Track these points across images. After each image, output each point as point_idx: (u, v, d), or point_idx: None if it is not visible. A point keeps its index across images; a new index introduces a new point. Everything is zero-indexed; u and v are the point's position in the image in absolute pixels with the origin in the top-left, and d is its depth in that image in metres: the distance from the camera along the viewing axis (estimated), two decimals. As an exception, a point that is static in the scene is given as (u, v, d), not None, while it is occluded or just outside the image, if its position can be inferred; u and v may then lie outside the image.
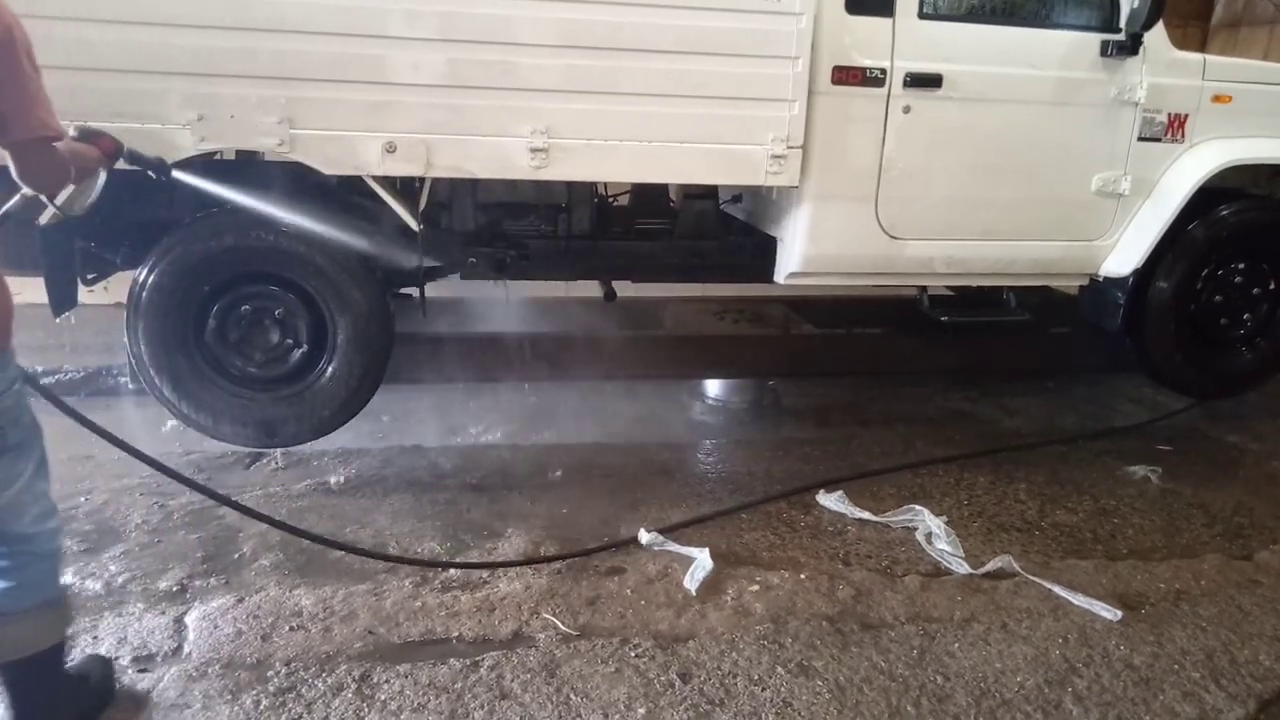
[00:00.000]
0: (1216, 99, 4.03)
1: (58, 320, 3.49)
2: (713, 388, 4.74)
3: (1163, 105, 3.97)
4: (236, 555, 3.03)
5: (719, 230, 4.26)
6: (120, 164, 2.68)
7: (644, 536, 3.18)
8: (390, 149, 3.28)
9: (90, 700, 2.28)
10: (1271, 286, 4.40)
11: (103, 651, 2.50)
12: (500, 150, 3.37)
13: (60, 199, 2.39)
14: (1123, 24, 3.82)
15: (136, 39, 3.03)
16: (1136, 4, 3.75)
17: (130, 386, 3.79)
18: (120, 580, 2.85)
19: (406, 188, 3.66)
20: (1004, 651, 2.67)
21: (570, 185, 3.89)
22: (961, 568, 3.10)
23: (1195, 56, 4.13)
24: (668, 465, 3.91)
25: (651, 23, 3.35)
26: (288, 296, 3.54)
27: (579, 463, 3.88)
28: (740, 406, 4.69)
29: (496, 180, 3.66)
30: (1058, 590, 2.96)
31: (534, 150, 3.37)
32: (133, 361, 3.50)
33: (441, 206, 3.92)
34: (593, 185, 3.99)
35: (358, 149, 3.28)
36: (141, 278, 3.38)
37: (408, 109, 3.27)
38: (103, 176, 2.57)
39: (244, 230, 3.39)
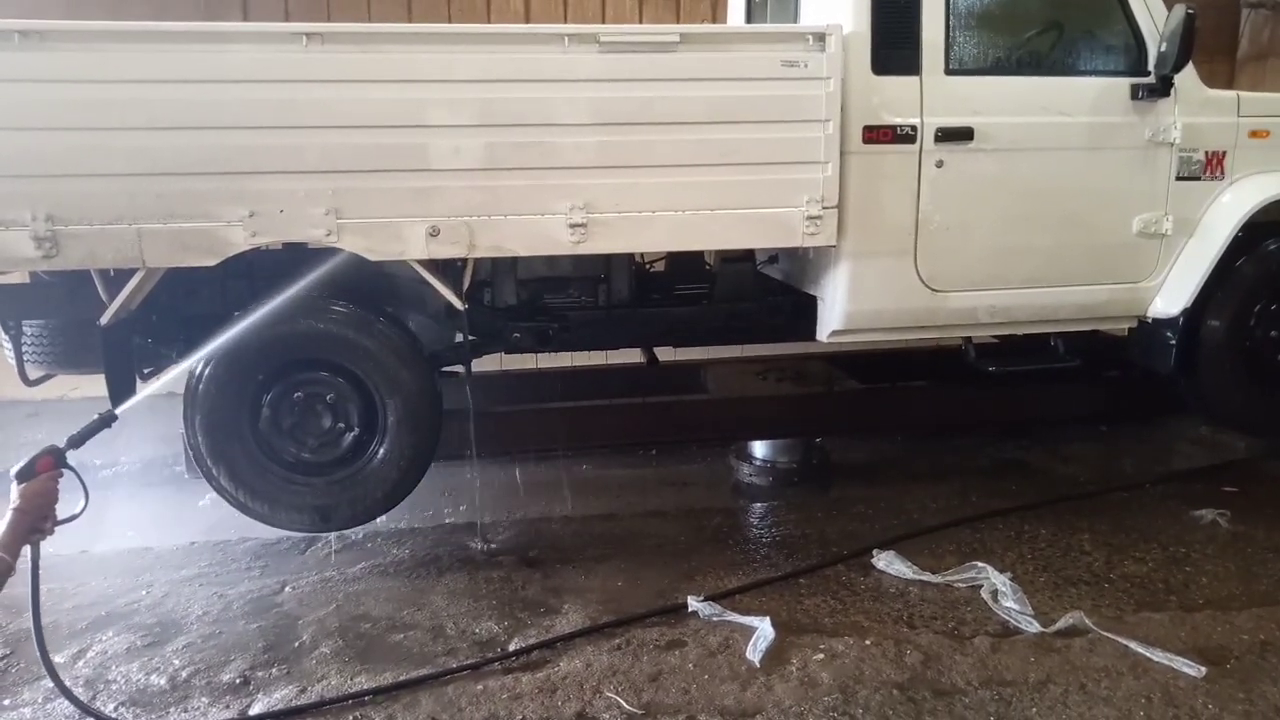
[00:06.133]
0: (1254, 134, 4.00)
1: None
2: (759, 449, 4.70)
3: (1199, 144, 3.95)
4: (296, 644, 3.03)
5: (757, 292, 4.28)
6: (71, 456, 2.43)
7: (694, 604, 3.14)
8: (434, 233, 3.35)
9: None
10: (1328, 320, 4.29)
11: (170, 749, 2.50)
12: (541, 228, 3.43)
13: (47, 535, 2.35)
14: (1151, 67, 3.83)
15: (193, 143, 3.15)
16: (1164, 47, 3.74)
17: (187, 476, 3.86)
18: (184, 674, 2.86)
19: (449, 268, 3.73)
20: (1085, 715, 2.57)
21: (608, 256, 3.94)
22: (1031, 626, 3.01)
23: (1229, 94, 4.11)
24: (719, 531, 3.87)
25: (682, 96, 3.42)
26: (337, 381, 3.60)
27: (631, 532, 3.86)
28: (788, 467, 4.64)
29: (536, 256, 3.72)
30: (1135, 646, 2.86)
31: (573, 226, 3.42)
32: (190, 452, 3.57)
33: (483, 284, 3.98)
34: (630, 254, 4.04)
35: (403, 234, 3.35)
36: (197, 370, 3.46)
37: (450, 193, 3.35)
38: (71, 477, 2.41)
39: (293, 319, 3.46)
